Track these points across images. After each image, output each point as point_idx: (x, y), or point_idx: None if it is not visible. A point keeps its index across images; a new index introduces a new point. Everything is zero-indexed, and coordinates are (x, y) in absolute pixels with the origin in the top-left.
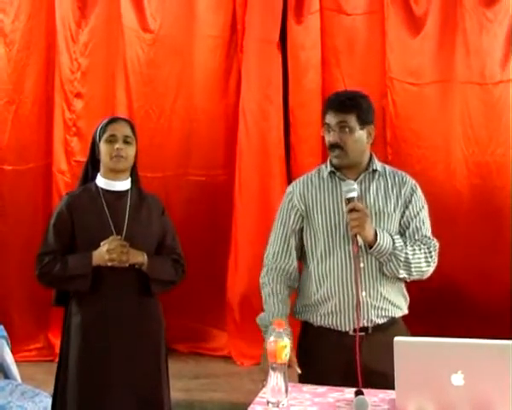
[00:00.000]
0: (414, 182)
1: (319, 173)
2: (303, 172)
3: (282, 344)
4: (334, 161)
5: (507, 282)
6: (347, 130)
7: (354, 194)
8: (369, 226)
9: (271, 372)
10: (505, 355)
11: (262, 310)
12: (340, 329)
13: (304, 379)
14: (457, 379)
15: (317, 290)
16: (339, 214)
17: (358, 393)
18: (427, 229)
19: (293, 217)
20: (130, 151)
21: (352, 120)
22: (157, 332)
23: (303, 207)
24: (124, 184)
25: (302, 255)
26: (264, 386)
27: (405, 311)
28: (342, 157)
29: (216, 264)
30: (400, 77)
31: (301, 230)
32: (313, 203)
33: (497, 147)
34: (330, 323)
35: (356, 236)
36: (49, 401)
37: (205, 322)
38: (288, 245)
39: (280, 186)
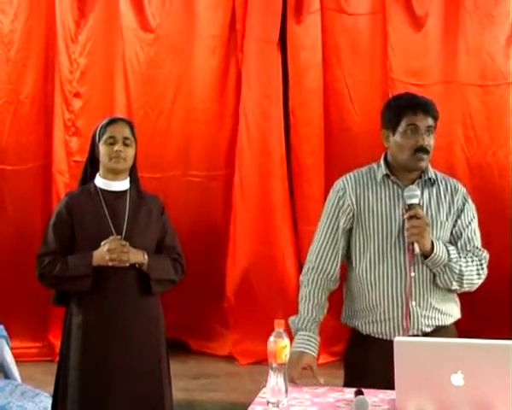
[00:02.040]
0: (465, 190)
1: (371, 173)
2: (304, 173)
3: (282, 344)
4: (419, 164)
5: (507, 283)
6: (431, 135)
7: (416, 200)
8: (428, 235)
9: (271, 372)
10: (505, 355)
11: (261, 308)
12: (387, 338)
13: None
14: (457, 379)
15: (366, 296)
16: (392, 220)
17: (358, 393)
18: (478, 240)
19: (345, 216)
20: (130, 152)
21: (434, 126)
22: (157, 332)
23: (355, 207)
24: (122, 184)
25: (347, 256)
26: (264, 386)
27: (456, 317)
28: (426, 161)
29: (215, 265)
30: (402, 78)
31: (350, 230)
32: (365, 204)
33: (498, 148)
34: (378, 330)
35: (413, 244)
36: (49, 401)
37: (203, 321)
38: (335, 244)
39: (280, 186)
